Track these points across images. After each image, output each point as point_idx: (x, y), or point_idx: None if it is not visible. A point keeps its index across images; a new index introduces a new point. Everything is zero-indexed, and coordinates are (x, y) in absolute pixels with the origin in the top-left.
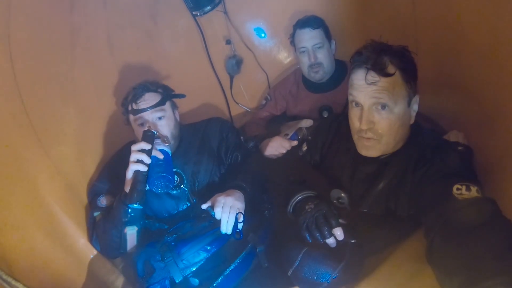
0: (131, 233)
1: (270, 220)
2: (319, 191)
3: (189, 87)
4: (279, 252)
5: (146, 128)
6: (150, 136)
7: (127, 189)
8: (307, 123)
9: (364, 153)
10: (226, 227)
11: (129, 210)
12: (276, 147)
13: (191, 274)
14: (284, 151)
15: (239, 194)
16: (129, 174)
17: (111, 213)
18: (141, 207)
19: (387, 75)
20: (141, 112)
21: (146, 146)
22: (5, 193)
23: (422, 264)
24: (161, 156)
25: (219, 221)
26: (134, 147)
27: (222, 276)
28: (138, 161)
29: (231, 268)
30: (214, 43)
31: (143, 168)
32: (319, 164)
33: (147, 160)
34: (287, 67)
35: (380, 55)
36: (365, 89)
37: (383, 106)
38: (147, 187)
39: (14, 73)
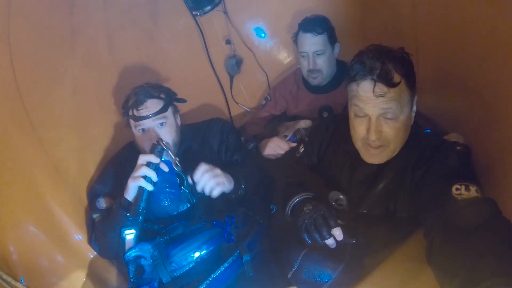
0: (129, 237)
1: (261, 228)
2: (317, 193)
3: (189, 87)
4: (278, 254)
5: (155, 142)
6: (159, 152)
7: (127, 195)
8: (305, 123)
9: (371, 161)
10: (202, 187)
11: (128, 215)
12: (274, 147)
13: (179, 276)
14: (282, 151)
15: (229, 177)
16: (133, 186)
17: (110, 216)
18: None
19: (395, 85)
20: (142, 120)
21: (155, 160)
22: (5, 193)
23: (422, 264)
24: (166, 169)
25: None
26: (142, 160)
27: (207, 282)
28: (144, 177)
29: (217, 273)
30: (214, 43)
31: (150, 187)
32: (317, 166)
33: (155, 178)
34: (287, 67)
35: (385, 64)
36: (373, 101)
37: (389, 116)
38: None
39: (14, 73)
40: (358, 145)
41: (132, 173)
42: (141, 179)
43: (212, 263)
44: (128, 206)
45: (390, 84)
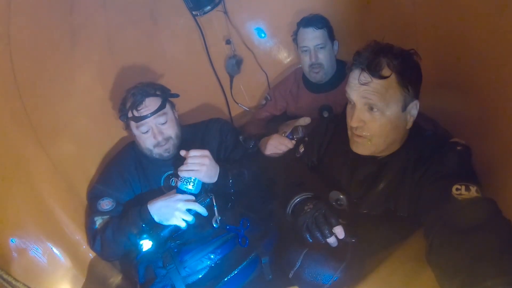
0: (146, 246)
1: (276, 230)
2: (317, 193)
3: (189, 87)
4: (280, 254)
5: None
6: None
7: (157, 218)
8: (305, 121)
9: (355, 149)
10: (184, 169)
11: (145, 236)
12: (275, 144)
13: (192, 283)
14: (284, 148)
15: (216, 170)
16: (175, 216)
17: (124, 222)
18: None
19: (380, 77)
20: (144, 119)
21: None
22: (5, 193)
23: (422, 264)
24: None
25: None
26: (190, 206)
27: (220, 284)
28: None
29: (230, 276)
30: (214, 43)
31: (182, 225)
32: (317, 166)
33: (191, 221)
34: (287, 67)
35: (378, 57)
36: (358, 89)
37: (372, 107)
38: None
39: (14, 73)
40: (349, 133)
41: (179, 202)
42: (179, 221)
43: (226, 267)
44: (148, 220)
45: (376, 75)
